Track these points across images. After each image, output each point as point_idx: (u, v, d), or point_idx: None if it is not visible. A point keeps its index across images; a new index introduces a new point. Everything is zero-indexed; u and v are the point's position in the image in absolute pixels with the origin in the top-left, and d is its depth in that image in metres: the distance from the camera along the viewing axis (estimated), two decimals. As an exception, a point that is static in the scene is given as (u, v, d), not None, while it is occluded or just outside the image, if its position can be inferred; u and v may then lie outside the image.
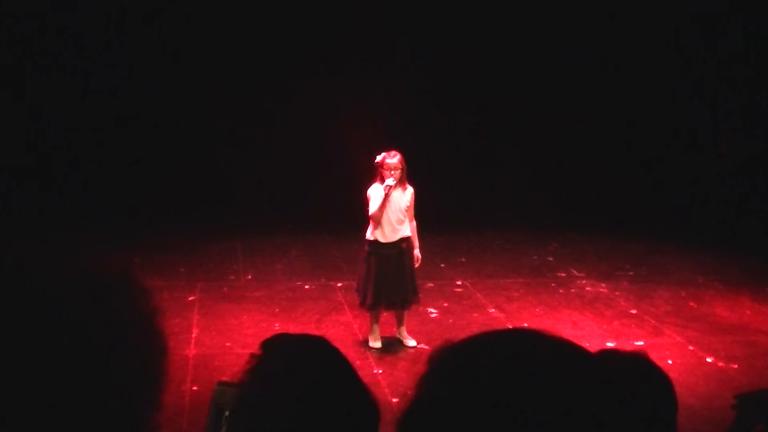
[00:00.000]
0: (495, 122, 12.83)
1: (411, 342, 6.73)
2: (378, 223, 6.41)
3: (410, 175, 6.49)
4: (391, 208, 6.38)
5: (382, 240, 6.45)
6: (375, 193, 6.39)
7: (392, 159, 6.31)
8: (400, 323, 6.78)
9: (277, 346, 1.70)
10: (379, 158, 6.37)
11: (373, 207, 6.36)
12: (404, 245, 6.50)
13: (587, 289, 8.54)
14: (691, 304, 8.10)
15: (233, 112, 12.18)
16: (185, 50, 12.03)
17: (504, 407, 0.81)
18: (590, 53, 12.65)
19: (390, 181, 6.27)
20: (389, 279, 6.48)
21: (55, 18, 11.59)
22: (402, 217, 6.45)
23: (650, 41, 12.45)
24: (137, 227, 10.51)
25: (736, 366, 6.42)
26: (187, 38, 11.99)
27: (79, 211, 10.97)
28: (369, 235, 6.51)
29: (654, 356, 2.06)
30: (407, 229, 6.51)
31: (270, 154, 12.06)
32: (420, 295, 6.86)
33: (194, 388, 5.63)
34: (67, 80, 11.80)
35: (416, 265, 6.63)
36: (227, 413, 1.89)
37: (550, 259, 9.83)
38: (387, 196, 6.30)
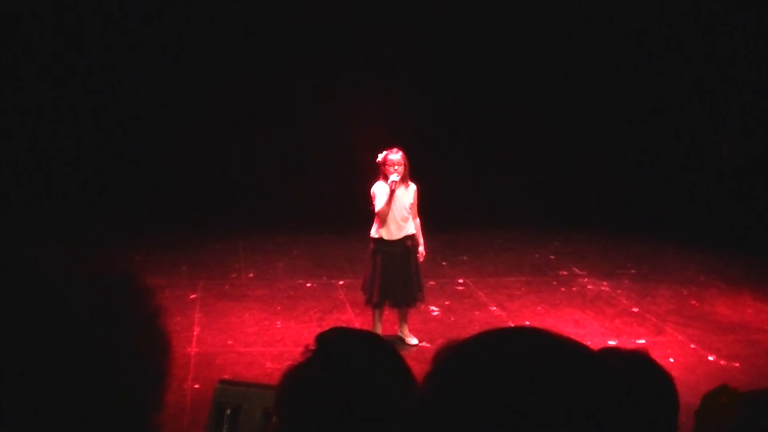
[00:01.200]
0: (496, 121, 12.83)
1: (413, 340, 6.73)
2: (384, 220, 6.41)
3: (412, 173, 6.50)
4: (396, 205, 6.38)
5: (387, 238, 6.45)
6: (379, 190, 6.39)
7: (395, 155, 6.32)
8: (402, 321, 6.78)
9: (332, 341, 1.66)
10: (381, 156, 6.37)
11: (379, 204, 6.36)
12: (409, 243, 6.51)
13: (589, 287, 8.54)
14: (693, 302, 8.09)
15: (235, 112, 12.18)
16: (185, 50, 12.03)
17: (507, 405, 0.81)
18: (590, 53, 12.65)
19: (395, 177, 6.27)
20: (395, 277, 6.49)
21: (55, 18, 11.59)
22: (406, 214, 6.45)
23: (650, 41, 12.44)
24: (139, 226, 10.52)
25: (737, 365, 6.42)
26: (187, 38, 11.99)
27: (80, 210, 10.98)
28: (374, 233, 6.50)
29: (655, 355, 2.06)
30: (411, 226, 6.52)
31: (271, 152, 12.07)
32: (424, 293, 6.85)
33: (196, 386, 5.63)
34: (67, 80, 11.80)
35: (421, 261, 6.63)
36: (228, 411, 1.89)
37: (552, 257, 9.83)
38: (392, 192, 6.30)
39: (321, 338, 1.63)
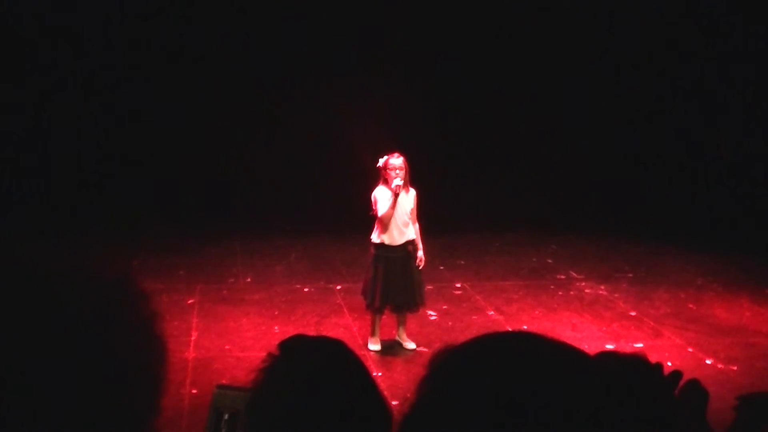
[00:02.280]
0: (494, 123, 12.83)
1: (410, 345, 6.73)
2: (387, 226, 6.40)
3: (411, 176, 6.49)
4: (397, 211, 6.37)
5: (389, 243, 6.44)
6: (382, 195, 6.37)
7: (396, 159, 6.31)
8: (401, 326, 6.78)
9: (293, 347, 1.69)
10: (382, 161, 6.36)
11: (382, 208, 6.34)
12: (410, 248, 6.51)
13: (586, 291, 8.54)
14: (691, 305, 8.10)
15: (233, 114, 12.17)
16: (185, 50, 12.03)
17: (504, 410, 0.81)
18: (590, 53, 12.66)
19: (398, 181, 6.25)
20: (396, 282, 6.48)
21: (55, 18, 11.59)
22: (407, 219, 6.45)
23: (650, 41, 12.45)
24: (136, 230, 10.51)
25: (735, 367, 6.42)
26: (187, 38, 11.98)
27: (78, 213, 10.97)
28: (375, 238, 6.49)
29: (653, 358, 2.05)
30: (412, 232, 6.51)
31: (270, 155, 12.06)
32: (425, 298, 6.84)
33: (193, 391, 5.62)
34: (67, 80, 11.80)
35: (420, 267, 6.62)
36: (226, 416, 1.89)
37: (550, 261, 9.83)
38: (397, 196, 6.29)
39: (282, 345, 1.67)
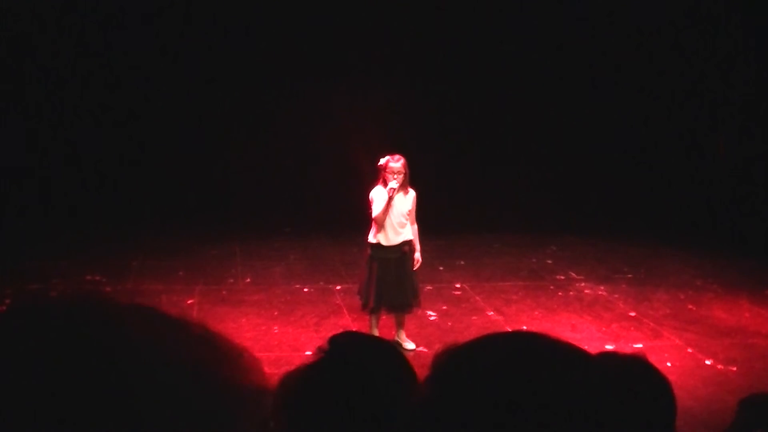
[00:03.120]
0: (494, 124, 12.84)
1: (410, 345, 6.73)
2: (381, 226, 6.42)
3: (410, 177, 6.50)
4: (394, 211, 6.39)
5: (384, 243, 6.45)
6: (378, 195, 6.39)
7: (396, 163, 6.32)
8: (399, 326, 6.79)
9: (345, 344, 1.66)
10: (382, 161, 6.37)
11: (376, 209, 6.37)
12: (406, 248, 6.52)
13: (586, 291, 8.54)
14: (690, 306, 8.10)
15: (232, 115, 12.17)
16: (185, 50, 12.03)
17: (505, 409, 0.81)
18: (590, 53, 12.66)
19: (393, 184, 6.28)
20: (391, 282, 6.49)
21: (55, 18, 11.58)
22: (404, 220, 6.46)
23: (650, 41, 12.45)
24: (136, 230, 10.50)
25: (734, 368, 6.42)
26: (187, 38, 11.98)
27: (77, 214, 10.97)
28: (371, 238, 6.51)
29: (653, 359, 2.05)
30: (409, 232, 6.52)
31: (269, 157, 12.07)
32: (420, 299, 6.86)
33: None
34: (67, 80, 11.79)
35: (415, 268, 6.63)
36: None
37: (549, 261, 9.83)
38: (390, 198, 6.31)
39: (334, 340, 1.63)
